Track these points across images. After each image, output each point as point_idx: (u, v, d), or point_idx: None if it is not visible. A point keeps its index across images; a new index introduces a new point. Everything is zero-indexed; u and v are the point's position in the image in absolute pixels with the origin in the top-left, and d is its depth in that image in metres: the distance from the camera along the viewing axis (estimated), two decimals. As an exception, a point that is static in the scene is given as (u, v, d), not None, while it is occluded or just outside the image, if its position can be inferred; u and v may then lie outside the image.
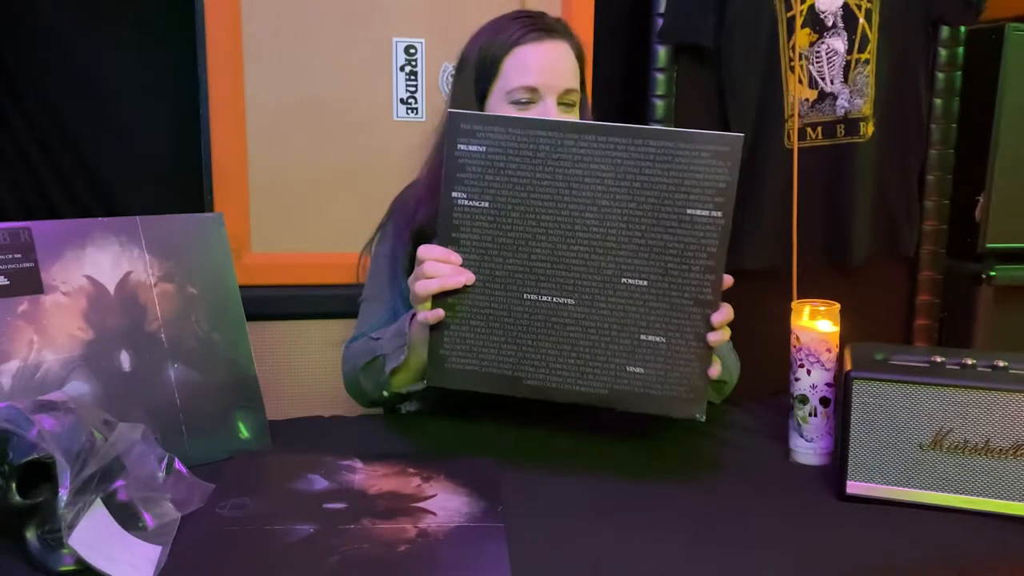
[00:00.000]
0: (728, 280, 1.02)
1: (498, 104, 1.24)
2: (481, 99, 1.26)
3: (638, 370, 1.02)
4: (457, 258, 1.04)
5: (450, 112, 1.05)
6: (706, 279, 1.00)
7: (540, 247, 1.03)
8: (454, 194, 1.04)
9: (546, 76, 1.23)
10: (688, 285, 1.00)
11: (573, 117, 1.27)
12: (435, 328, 1.05)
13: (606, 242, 1.01)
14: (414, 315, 1.12)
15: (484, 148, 1.03)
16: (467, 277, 1.03)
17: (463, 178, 1.03)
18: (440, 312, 1.04)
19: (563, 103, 1.25)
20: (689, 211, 0.99)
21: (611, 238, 1.01)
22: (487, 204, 1.03)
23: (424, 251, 1.06)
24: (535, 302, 1.03)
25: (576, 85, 1.27)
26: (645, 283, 1.01)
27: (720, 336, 1.01)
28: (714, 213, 0.99)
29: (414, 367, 1.17)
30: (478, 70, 1.26)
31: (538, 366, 1.04)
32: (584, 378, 1.03)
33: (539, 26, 1.25)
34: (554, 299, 1.03)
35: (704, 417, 1.02)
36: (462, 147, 1.03)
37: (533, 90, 1.23)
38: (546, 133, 1.02)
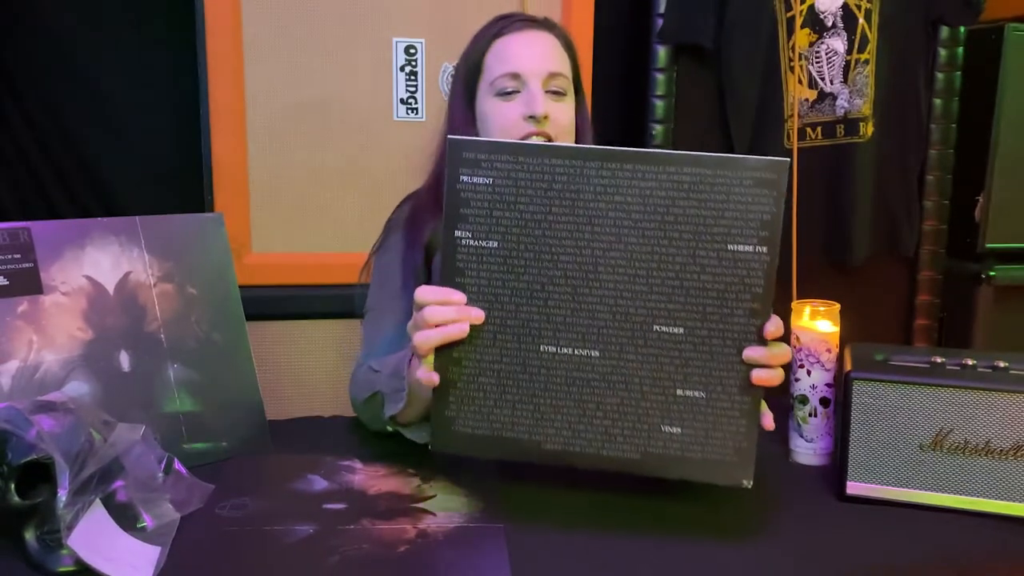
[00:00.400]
0: (777, 324, 0.89)
1: (484, 99, 1.23)
2: (470, 101, 1.25)
3: (675, 430, 0.90)
4: (460, 297, 0.92)
5: (449, 139, 0.92)
6: (751, 324, 0.88)
7: (558, 291, 0.90)
8: (457, 233, 0.91)
9: (527, 60, 1.20)
10: (731, 332, 0.88)
11: (565, 107, 1.24)
12: (439, 385, 0.93)
13: (635, 285, 0.89)
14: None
15: (491, 180, 0.90)
16: (476, 315, 0.91)
17: (467, 214, 0.91)
18: (434, 377, 0.92)
19: (551, 90, 1.21)
20: (730, 247, 0.88)
21: (641, 280, 0.89)
22: (496, 244, 0.91)
23: (423, 294, 0.93)
24: (554, 355, 0.91)
25: (564, 70, 1.24)
26: (681, 330, 0.89)
27: (770, 376, 0.88)
28: (759, 249, 0.87)
29: (417, 408, 1.08)
30: (465, 74, 1.25)
31: (559, 428, 0.92)
32: (612, 441, 0.91)
33: (518, 18, 1.25)
34: (576, 351, 0.91)
35: (751, 483, 0.90)
36: (465, 179, 0.91)
37: (515, 76, 1.20)
38: (563, 161, 0.89)
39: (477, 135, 1.25)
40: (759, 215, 0.87)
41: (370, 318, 1.28)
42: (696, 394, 0.90)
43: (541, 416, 0.92)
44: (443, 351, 0.92)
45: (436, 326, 0.91)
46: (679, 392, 0.90)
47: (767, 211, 0.87)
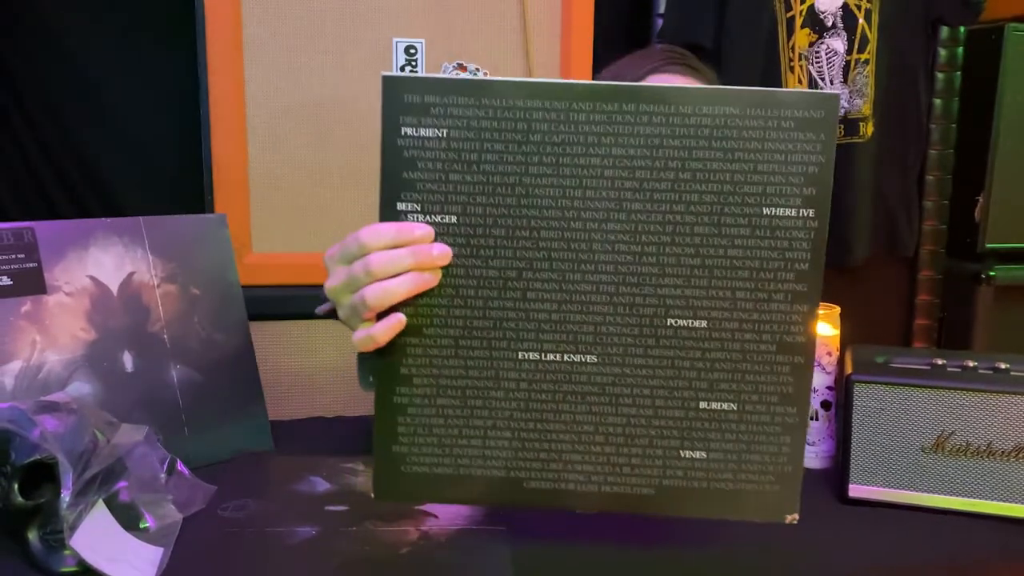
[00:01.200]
0: None
1: None
2: None
3: (698, 455, 0.73)
4: (424, 231, 0.70)
5: (384, 77, 0.70)
6: (795, 311, 0.70)
7: (541, 279, 0.71)
8: (400, 206, 0.71)
9: None
10: (768, 323, 0.71)
11: None
12: (382, 412, 0.72)
13: (642, 266, 0.70)
14: None
15: (444, 132, 0.69)
16: (438, 252, 0.70)
17: (413, 180, 0.70)
18: (376, 334, 0.71)
19: None
20: (767, 211, 0.69)
21: (649, 259, 0.70)
22: (454, 219, 0.70)
23: (370, 237, 0.71)
24: (537, 364, 0.72)
25: None
26: (703, 324, 0.71)
27: None
28: (804, 212, 0.69)
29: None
30: None
31: (546, 460, 0.73)
32: (618, 473, 0.74)
33: (681, 61, 1.20)
34: (566, 357, 0.72)
35: (797, 517, 0.74)
36: (409, 131, 0.69)
37: None
38: (543, 103, 0.68)
39: None
40: (803, 167, 0.69)
41: None
42: (724, 406, 0.73)
43: (522, 445, 0.73)
44: (383, 364, 0.72)
45: (390, 277, 0.71)
46: (703, 405, 0.73)
47: (813, 162, 0.69)
